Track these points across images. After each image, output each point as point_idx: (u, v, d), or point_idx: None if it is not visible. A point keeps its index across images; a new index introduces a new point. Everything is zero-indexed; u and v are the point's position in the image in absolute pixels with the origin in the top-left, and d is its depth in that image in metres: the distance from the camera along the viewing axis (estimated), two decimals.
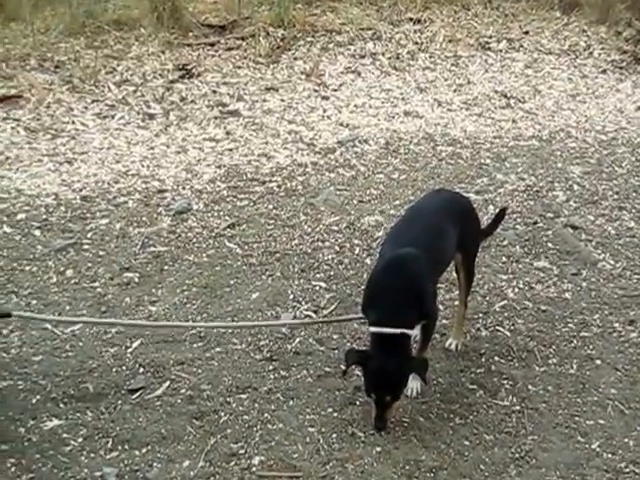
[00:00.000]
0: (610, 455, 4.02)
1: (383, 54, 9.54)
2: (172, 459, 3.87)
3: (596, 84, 9.25)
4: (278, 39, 9.55)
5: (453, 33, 10.14)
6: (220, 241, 5.77)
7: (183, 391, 4.31)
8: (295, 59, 9.28)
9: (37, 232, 5.81)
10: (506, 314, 5.07)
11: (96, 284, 5.23)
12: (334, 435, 4.05)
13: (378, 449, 3.98)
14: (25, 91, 7.99)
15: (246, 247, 5.70)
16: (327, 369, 4.51)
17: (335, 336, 4.79)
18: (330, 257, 5.62)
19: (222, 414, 4.16)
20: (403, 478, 3.82)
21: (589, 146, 7.62)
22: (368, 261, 5.50)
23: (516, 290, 5.32)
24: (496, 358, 4.68)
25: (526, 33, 10.37)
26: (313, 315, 5.00)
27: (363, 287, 4.41)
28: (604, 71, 9.57)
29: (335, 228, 5.98)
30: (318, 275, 5.40)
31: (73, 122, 7.56)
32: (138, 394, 4.27)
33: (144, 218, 6.04)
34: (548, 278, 5.45)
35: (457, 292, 4.86)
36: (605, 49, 10.02)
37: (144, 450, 3.92)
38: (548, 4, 10.90)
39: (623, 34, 10.08)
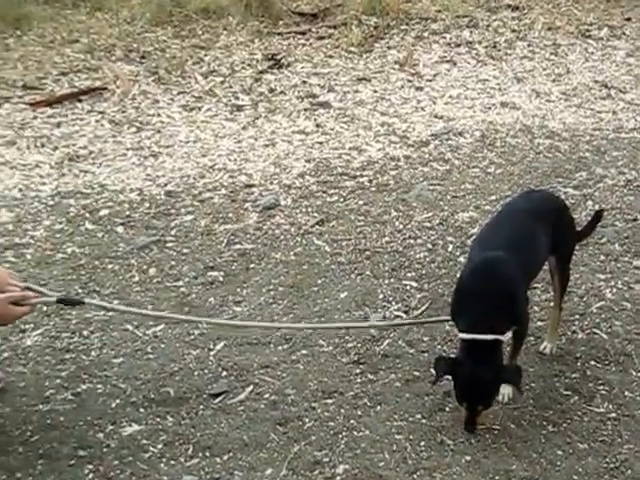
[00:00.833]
0: None
1: (479, 42, 9.34)
2: (254, 467, 3.75)
3: None
4: (371, 27, 9.43)
5: (552, 20, 9.92)
6: (308, 238, 5.64)
7: (267, 396, 4.19)
8: (388, 48, 9.12)
9: (120, 229, 5.73)
10: (603, 315, 4.87)
11: (180, 283, 5.13)
12: (422, 443, 3.90)
13: (467, 458, 3.82)
14: (110, 83, 7.94)
15: (335, 245, 5.57)
16: (416, 373, 4.35)
17: (426, 338, 4.63)
18: (422, 255, 5.46)
19: (306, 420, 4.03)
20: None
21: None
22: (462, 259, 5.31)
23: (614, 290, 5.10)
24: (592, 362, 4.48)
25: (628, 20, 10.07)
26: (403, 316, 4.85)
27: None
28: None
29: (428, 225, 5.82)
30: (409, 274, 5.25)
31: (159, 114, 7.49)
32: (220, 399, 4.16)
33: (230, 214, 5.92)
34: None
35: (553, 293, 4.67)
36: None
37: (225, 457, 3.81)
38: None
39: None
